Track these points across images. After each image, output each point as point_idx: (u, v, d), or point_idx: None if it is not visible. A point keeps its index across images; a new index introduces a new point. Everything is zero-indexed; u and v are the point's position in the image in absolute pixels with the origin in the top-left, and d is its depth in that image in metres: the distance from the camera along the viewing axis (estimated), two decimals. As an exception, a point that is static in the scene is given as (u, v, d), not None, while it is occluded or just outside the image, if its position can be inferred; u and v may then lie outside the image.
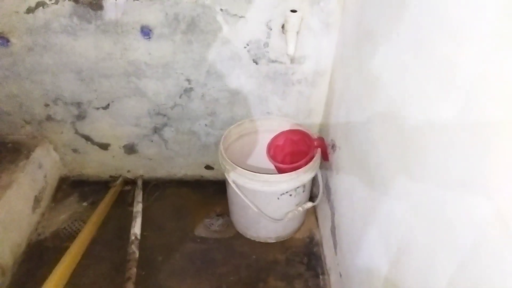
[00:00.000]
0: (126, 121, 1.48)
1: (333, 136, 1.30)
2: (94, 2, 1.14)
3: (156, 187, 1.72)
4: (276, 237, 1.52)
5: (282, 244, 1.52)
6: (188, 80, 1.35)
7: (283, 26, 1.19)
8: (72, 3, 1.15)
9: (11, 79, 1.34)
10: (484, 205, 0.48)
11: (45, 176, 1.58)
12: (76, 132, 1.53)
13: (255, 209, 1.31)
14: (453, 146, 0.55)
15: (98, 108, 1.43)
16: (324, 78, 1.35)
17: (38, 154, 1.53)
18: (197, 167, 1.70)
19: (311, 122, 1.50)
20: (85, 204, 1.64)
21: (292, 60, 1.30)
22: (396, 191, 0.77)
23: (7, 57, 1.27)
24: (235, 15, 1.17)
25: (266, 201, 1.32)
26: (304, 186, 1.33)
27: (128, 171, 1.71)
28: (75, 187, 1.71)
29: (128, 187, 1.71)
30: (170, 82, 1.35)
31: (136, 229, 1.46)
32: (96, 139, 1.57)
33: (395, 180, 0.77)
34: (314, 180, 1.42)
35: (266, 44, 1.25)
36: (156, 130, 1.52)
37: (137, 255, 1.38)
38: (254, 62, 1.30)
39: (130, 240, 1.42)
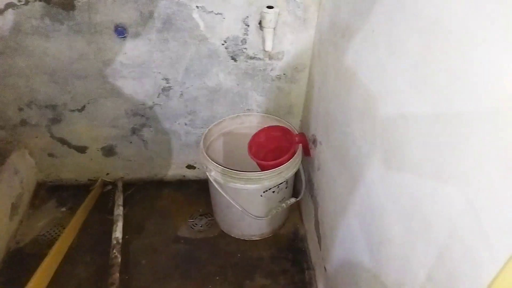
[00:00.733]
0: (103, 122, 1.45)
1: (314, 131, 1.30)
2: (66, 2, 1.11)
3: (137, 189, 1.70)
4: (261, 234, 1.52)
5: (267, 241, 1.52)
6: (166, 79, 1.33)
7: (260, 23, 1.19)
8: (43, 3, 1.11)
9: (-19, 84, 1.29)
10: (457, 197, 0.49)
11: (21, 182, 1.54)
12: (52, 136, 1.49)
13: (239, 208, 1.30)
14: (427, 140, 0.56)
15: (73, 111, 1.40)
16: (303, 74, 1.35)
17: (14, 159, 1.48)
18: (179, 167, 1.68)
19: (292, 118, 1.50)
20: (63, 209, 1.60)
21: (270, 56, 1.29)
22: (375, 184, 0.77)
23: (-24, 61, 1.23)
24: (212, 12, 1.16)
25: (249, 199, 1.32)
26: (286, 182, 1.34)
27: (108, 174, 1.68)
28: (53, 192, 1.67)
29: (109, 187, 1.68)
30: (148, 82, 1.33)
31: (118, 233, 1.43)
32: (73, 142, 1.53)
33: (374, 173, 0.77)
34: (296, 175, 1.43)
35: (244, 41, 1.24)
36: (134, 130, 1.50)
37: (119, 259, 1.35)
38: (232, 59, 1.29)
39: (112, 245, 1.39)
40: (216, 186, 1.27)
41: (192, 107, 1.43)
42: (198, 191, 1.68)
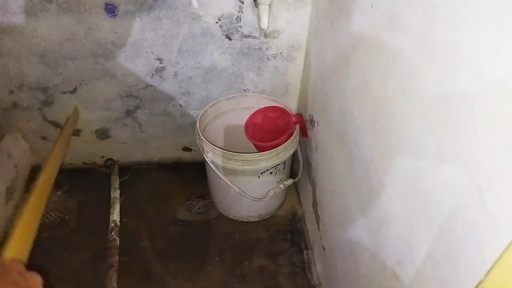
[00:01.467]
0: (96, 104, 1.42)
1: (311, 112, 1.28)
2: (53, -22, 1.07)
3: (133, 172, 1.68)
4: (259, 215, 1.52)
5: (265, 222, 1.53)
6: (159, 59, 1.29)
7: (255, -1, 1.15)
8: (28, -20, 1.07)
9: (-32, 66, 1.25)
10: (460, 176, 0.48)
11: (15, 166, 1.52)
12: (44, 119, 1.46)
13: (236, 189, 1.30)
14: (430, 118, 0.54)
15: (65, 92, 1.37)
16: (300, 53, 1.32)
17: (6, 143, 1.46)
18: (175, 149, 1.66)
19: (289, 98, 1.48)
20: (59, 193, 1.58)
21: (266, 35, 1.26)
22: (374, 163, 0.76)
23: (-38, 42, 1.19)
24: (205, -12, 1.12)
25: (247, 181, 1.31)
26: (284, 163, 1.32)
27: (102, 157, 1.66)
28: (48, 176, 1.65)
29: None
30: (140, 62, 1.29)
31: (115, 215, 1.42)
32: (67, 125, 1.50)
33: (373, 153, 0.76)
34: (294, 156, 1.42)
35: (239, 19, 1.20)
36: (128, 112, 1.47)
37: (118, 242, 1.35)
38: (227, 37, 1.25)
39: (110, 227, 1.39)
40: (213, 167, 1.26)
41: (187, 88, 1.40)
42: (194, 174, 1.67)
